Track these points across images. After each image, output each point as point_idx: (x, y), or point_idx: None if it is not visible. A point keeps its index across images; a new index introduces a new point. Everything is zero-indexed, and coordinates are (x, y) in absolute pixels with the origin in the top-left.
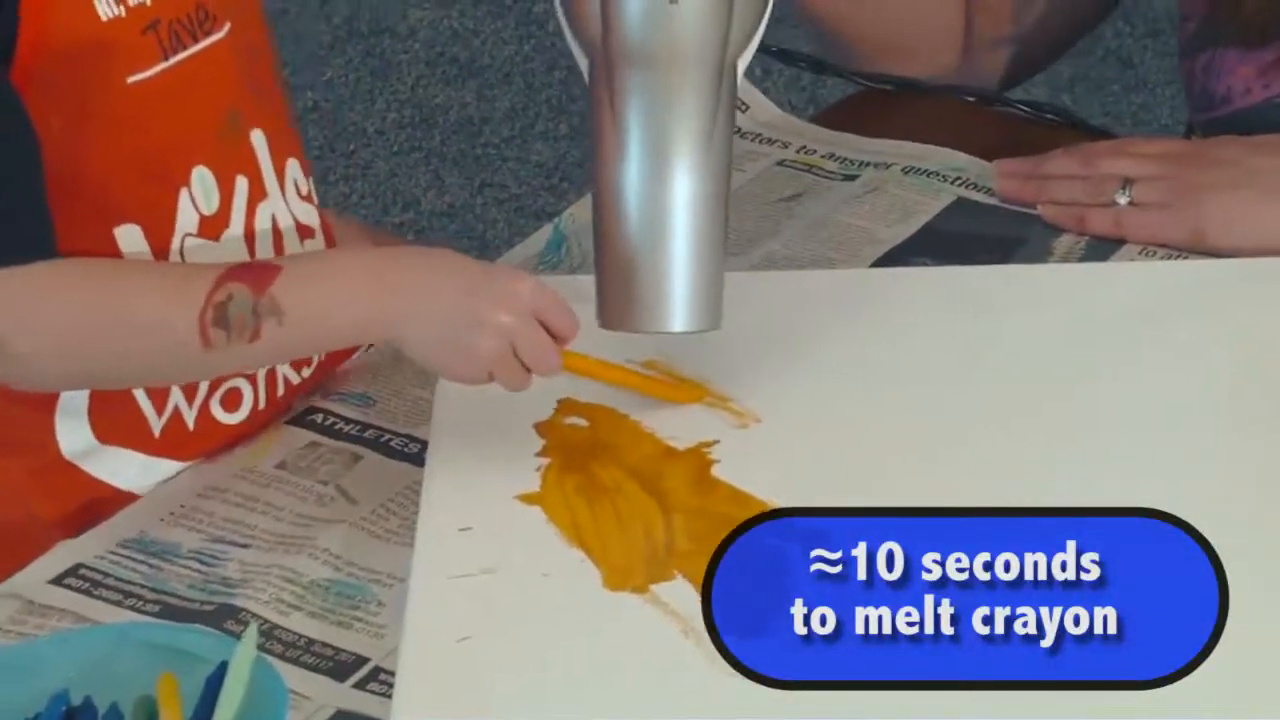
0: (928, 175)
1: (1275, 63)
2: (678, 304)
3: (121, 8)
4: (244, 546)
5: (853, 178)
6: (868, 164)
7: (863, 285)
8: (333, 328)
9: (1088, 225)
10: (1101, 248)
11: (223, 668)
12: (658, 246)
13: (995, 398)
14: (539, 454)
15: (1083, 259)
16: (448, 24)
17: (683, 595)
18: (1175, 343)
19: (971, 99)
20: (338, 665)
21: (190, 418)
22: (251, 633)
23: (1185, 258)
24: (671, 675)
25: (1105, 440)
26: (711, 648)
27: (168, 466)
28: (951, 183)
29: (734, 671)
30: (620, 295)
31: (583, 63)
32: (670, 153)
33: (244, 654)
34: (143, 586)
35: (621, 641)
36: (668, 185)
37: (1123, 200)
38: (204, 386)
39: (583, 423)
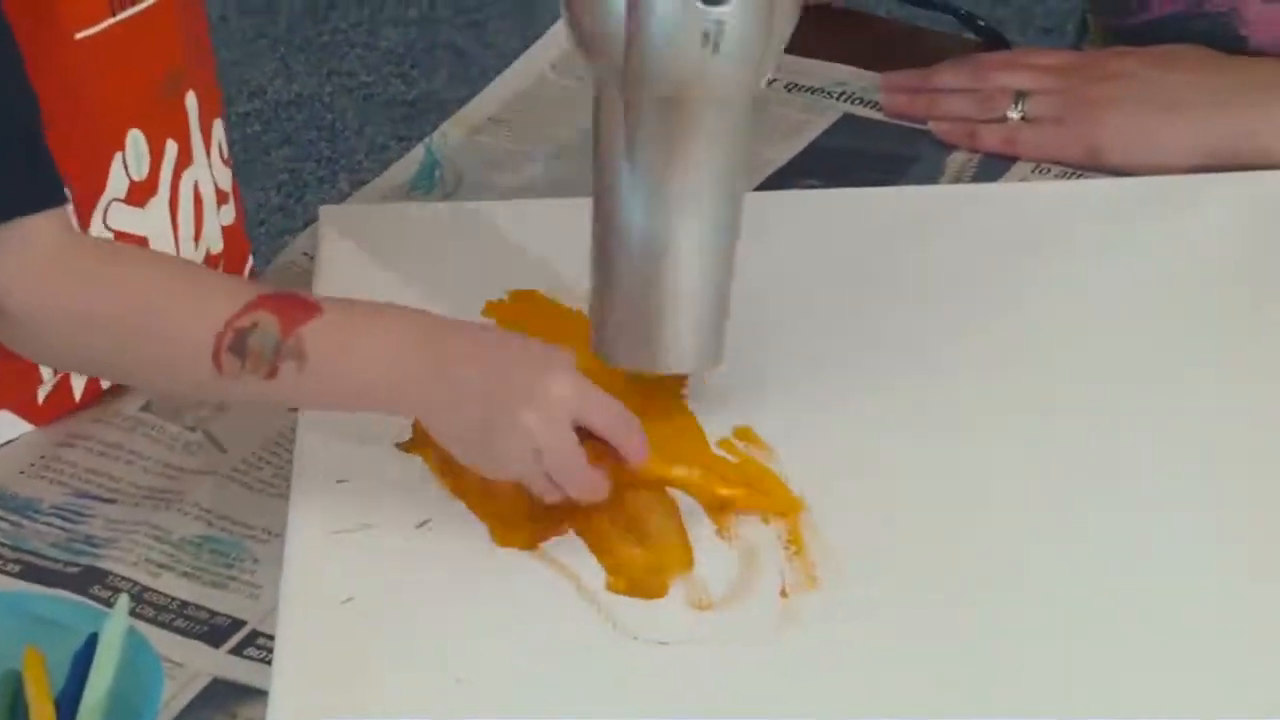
0: (812, 92)
1: None
2: (683, 345)
3: None
4: (109, 501)
5: None
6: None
7: (750, 208)
8: (350, 395)
9: (979, 142)
10: (994, 165)
11: (91, 640)
12: (665, 287)
13: (885, 331)
14: None
15: (975, 177)
16: None
17: (575, 551)
18: (1069, 267)
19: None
20: (213, 629)
21: (79, 386)
22: (123, 604)
23: (1080, 175)
24: (568, 636)
25: (992, 376)
26: (607, 606)
27: (22, 428)
28: (837, 98)
29: (633, 632)
30: (621, 331)
31: (585, 74)
32: (689, 193)
33: (115, 627)
34: (2, 545)
35: (514, 601)
36: (682, 226)
37: (1015, 115)
38: None
39: None
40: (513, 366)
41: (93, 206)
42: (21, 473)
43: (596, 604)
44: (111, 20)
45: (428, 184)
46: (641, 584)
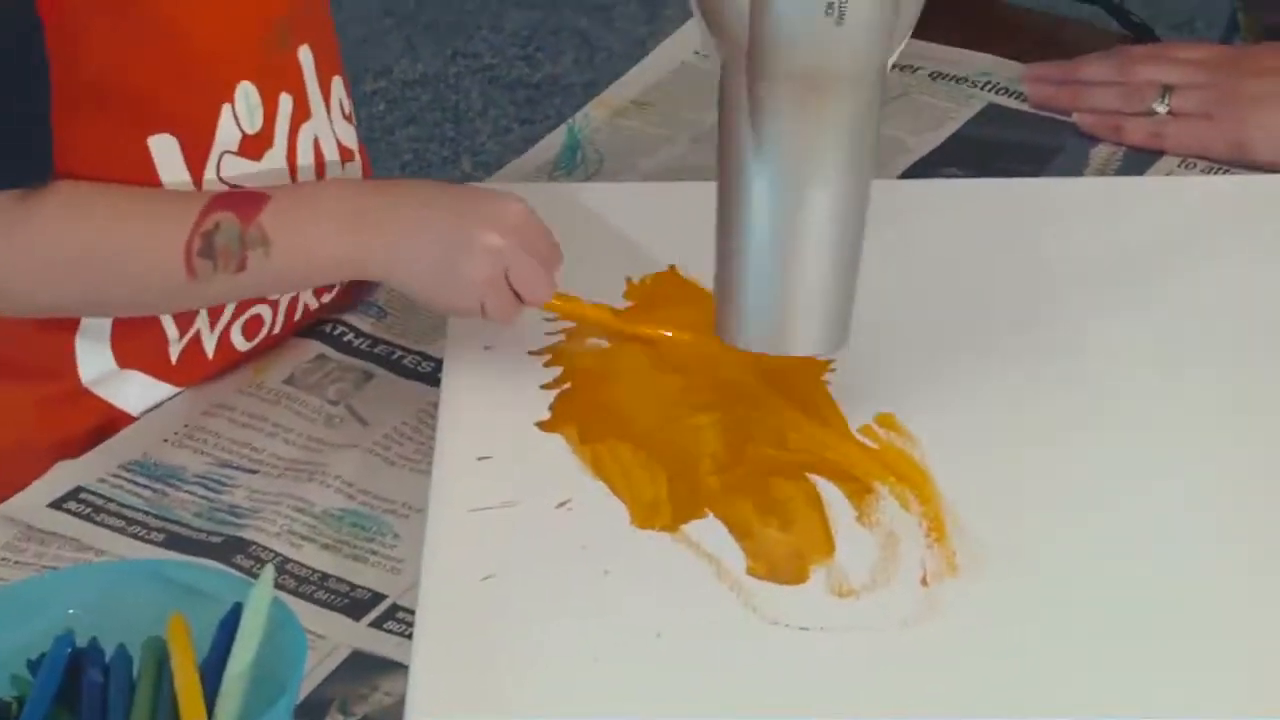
0: (956, 81)
1: None
2: (809, 327)
3: None
4: (251, 472)
5: None
6: (893, 66)
7: (892, 197)
8: (319, 261)
9: (1125, 135)
10: (1139, 158)
11: (236, 609)
12: (791, 269)
13: (1028, 321)
14: (555, 382)
15: (1120, 170)
16: None
17: (715, 535)
18: (1215, 263)
19: None
20: (353, 602)
21: (210, 344)
22: (268, 574)
23: (1226, 171)
24: (708, 620)
25: (1136, 372)
26: (748, 590)
27: (169, 391)
28: (981, 88)
29: (773, 618)
30: (745, 313)
31: (713, 54)
32: (817, 175)
33: (260, 596)
34: (146, 514)
35: (653, 583)
36: (810, 208)
37: (1161, 109)
38: (228, 311)
39: (602, 344)
40: (466, 200)
41: (204, 157)
42: (165, 441)
43: (737, 588)
44: None
45: (569, 164)
46: (782, 569)
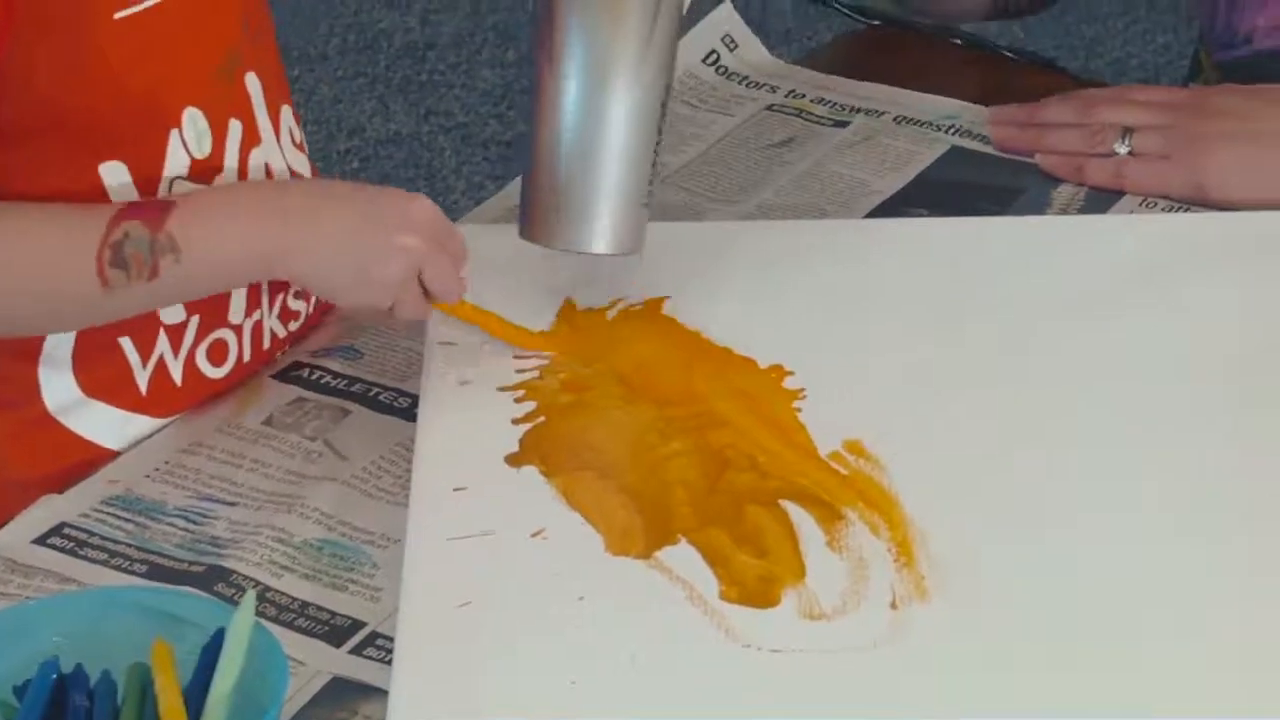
0: (920, 125)
1: None
2: (602, 225)
3: None
4: (231, 504)
5: (844, 123)
6: (859, 110)
7: (858, 235)
8: (230, 263)
9: (1086, 176)
10: (1101, 198)
11: (219, 635)
12: (588, 161)
13: (991, 351)
14: (527, 416)
15: (1082, 210)
16: None
17: (688, 561)
18: (1173, 298)
19: (958, 42)
20: (333, 630)
21: (177, 371)
22: (250, 599)
23: (1186, 209)
24: (681, 643)
25: (1096, 397)
26: (720, 614)
27: (150, 424)
28: (945, 131)
29: (745, 641)
30: (545, 209)
31: None
32: (607, 64)
33: (243, 621)
34: (129, 545)
35: (627, 608)
36: (603, 98)
37: (1122, 150)
38: (189, 336)
39: (577, 377)
40: (376, 202)
41: (155, 183)
42: (147, 476)
43: (710, 612)
44: (152, 1)
45: None
46: (755, 593)
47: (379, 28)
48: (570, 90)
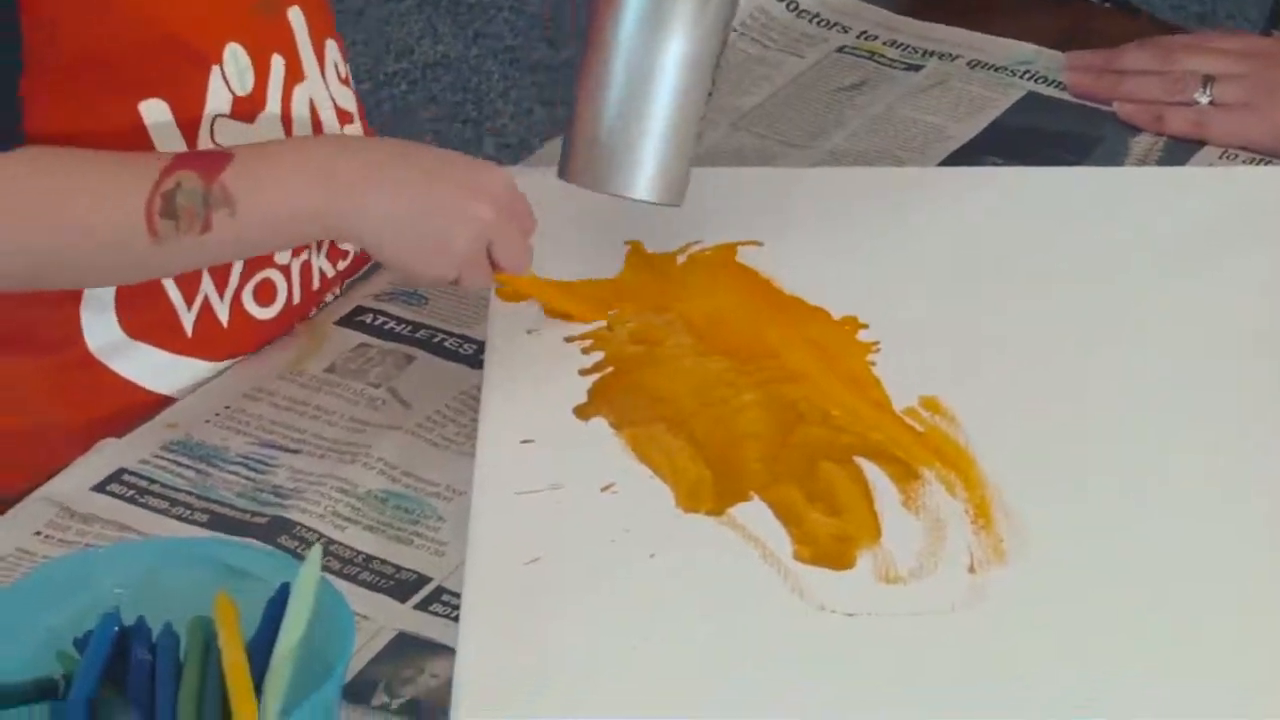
0: (995, 70)
1: None
2: (646, 171)
3: None
4: (294, 452)
5: (917, 67)
6: (931, 54)
7: (933, 183)
8: (287, 220)
9: (1166, 125)
10: (1180, 148)
11: (283, 589)
12: (638, 105)
13: (1072, 308)
14: (595, 366)
15: (1161, 160)
16: None
17: (761, 518)
18: (1258, 252)
19: None
20: (398, 584)
21: (223, 313)
22: (315, 554)
23: (1269, 161)
24: (753, 604)
25: (1179, 363)
26: (795, 575)
27: (200, 367)
28: (1020, 76)
29: (819, 603)
30: (589, 152)
31: None
32: (666, 8)
33: (308, 575)
34: (189, 494)
35: (698, 566)
36: (659, 43)
37: (1203, 99)
38: (235, 276)
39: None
40: (450, 166)
41: (197, 121)
42: (207, 421)
43: (783, 572)
44: None
45: None
46: (829, 554)
47: None
48: (626, 32)
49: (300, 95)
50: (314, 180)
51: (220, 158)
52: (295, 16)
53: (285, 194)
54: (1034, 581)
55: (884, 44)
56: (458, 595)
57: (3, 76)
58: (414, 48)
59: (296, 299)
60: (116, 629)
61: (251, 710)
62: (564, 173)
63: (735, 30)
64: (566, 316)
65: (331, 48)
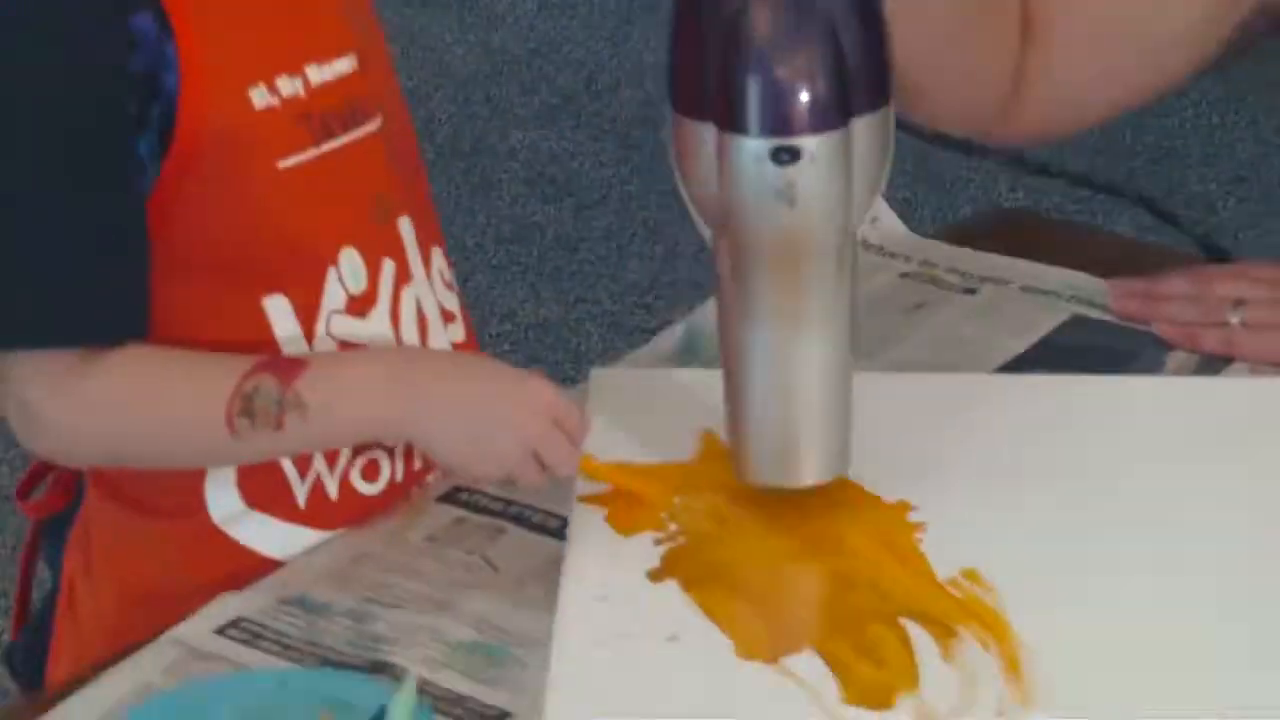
0: (1045, 294)
1: None
2: (810, 459)
3: (275, 98)
4: (395, 608)
5: (973, 291)
6: (987, 279)
7: (985, 389)
8: (353, 425)
9: (1200, 343)
10: (1212, 365)
11: (381, 711)
12: (789, 411)
13: (1100, 499)
14: (669, 536)
15: (1194, 375)
16: (547, 145)
17: (811, 667)
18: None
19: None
20: (484, 717)
21: (333, 487)
22: (411, 680)
23: None
24: None
25: (1201, 535)
26: (841, 716)
27: (310, 535)
28: (1068, 300)
29: None
30: (760, 454)
31: (703, 229)
32: (798, 328)
33: (405, 696)
34: (300, 640)
35: (754, 708)
36: (796, 355)
37: (1235, 320)
38: (344, 455)
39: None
40: (500, 380)
41: (315, 316)
42: (317, 580)
43: (830, 713)
44: (315, 151)
45: (689, 355)
46: (873, 697)
47: (533, 220)
48: (757, 342)
49: (408, 295)
50: (381, 392)
51: (297, 365)
52: (404, 225)
53: (352, 403)
54: None
55: (944, 271)
56: None
57: (129, 274)
58: (517, 311)
59: (399, 477)
60: None
61: None
62: (742, 476)
63: None
64: (638, 499)
65: (437, 255)
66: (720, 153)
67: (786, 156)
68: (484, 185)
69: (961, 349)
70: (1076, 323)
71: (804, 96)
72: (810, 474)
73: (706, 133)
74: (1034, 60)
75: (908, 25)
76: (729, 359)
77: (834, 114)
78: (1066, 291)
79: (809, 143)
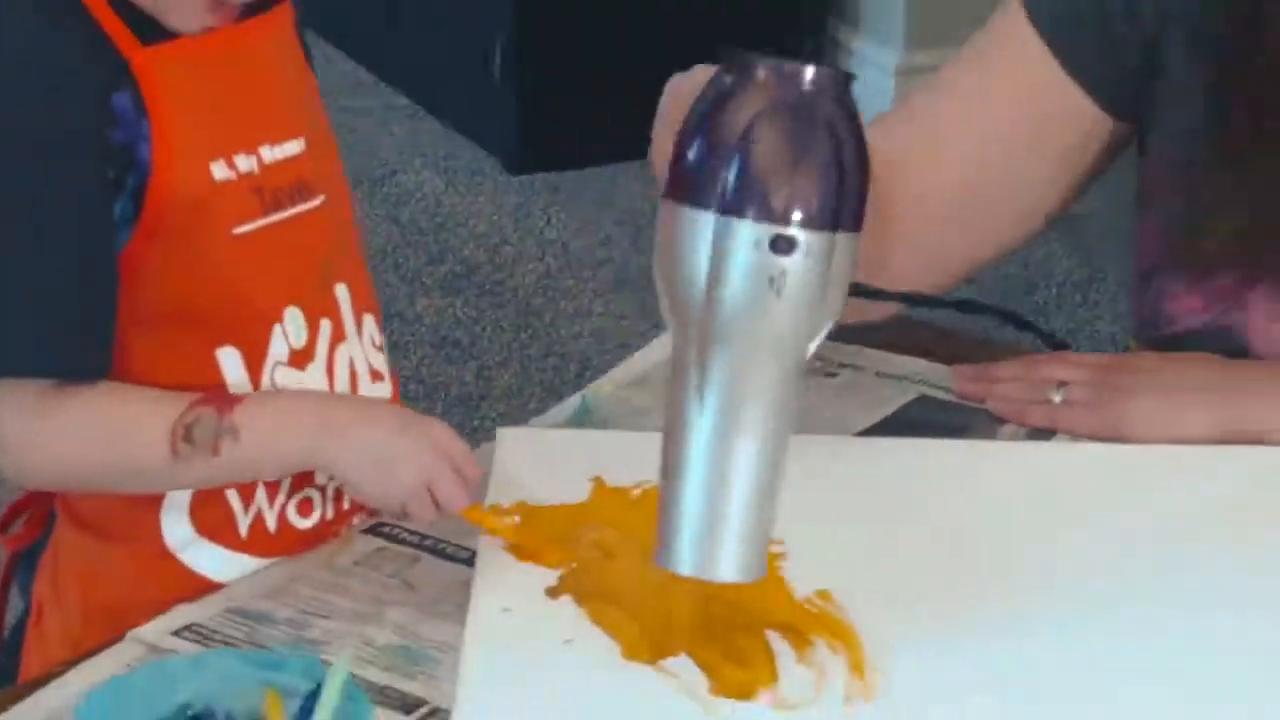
0: (896, 378)
1: (1217, 291)
2: (735, 556)
3: (233, 172)
4: (326, 618)
5: (833, 374)
6: (846, 365)
7: (843, 449)
8: (280, 454)
9: (1026, 418)
10: (1037, 437)
11: (317, 689)
12: (719, 504)
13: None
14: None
15: None
16: (451, 311)
17: (685, 667)
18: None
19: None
20: (405, 703)
21: (271, 520)
22: (345, 656)
23: None
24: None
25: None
26: (709, 704)
27: (250, 562)
28: (915, 382)
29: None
30: (685, 543)
31: (668, 315)
32: (745, 424)
33: (339, 670)
34: (244, 642)
35: (635, 696)
36: (737, 450)
37: (1057, 399)
38: (282, 493)
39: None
40: (403, 423)
41: (260, 367)
42: (257, 595)
43: (700, 702)
44: (264, 220)
45: (584, 421)
46: (737, 690)
47: (437, 380)
48: (701, 437)
49: (342, 353)
50: (300, 426)
51: (234, 399)
52: (341, 290)
53: (277, 434)
54: (890, 711)
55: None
56: (449, 712)
57: (101, 319)
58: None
59: (330, 515)
60: (189, 715)
61: None
62: (663, 561)
63: None
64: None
65: (369, 321)
66: (717, 239)
67: (784, 245)
68: (393, 348)
69: (824, 421)
70: (922, 401)
71: (806, 194)
72: (732, 571)
73: (704, 220)
74: (890, 236)
75: None
76: (672, 445)
77: (828, 217)
78: (915, 375)
79: (804, 236)
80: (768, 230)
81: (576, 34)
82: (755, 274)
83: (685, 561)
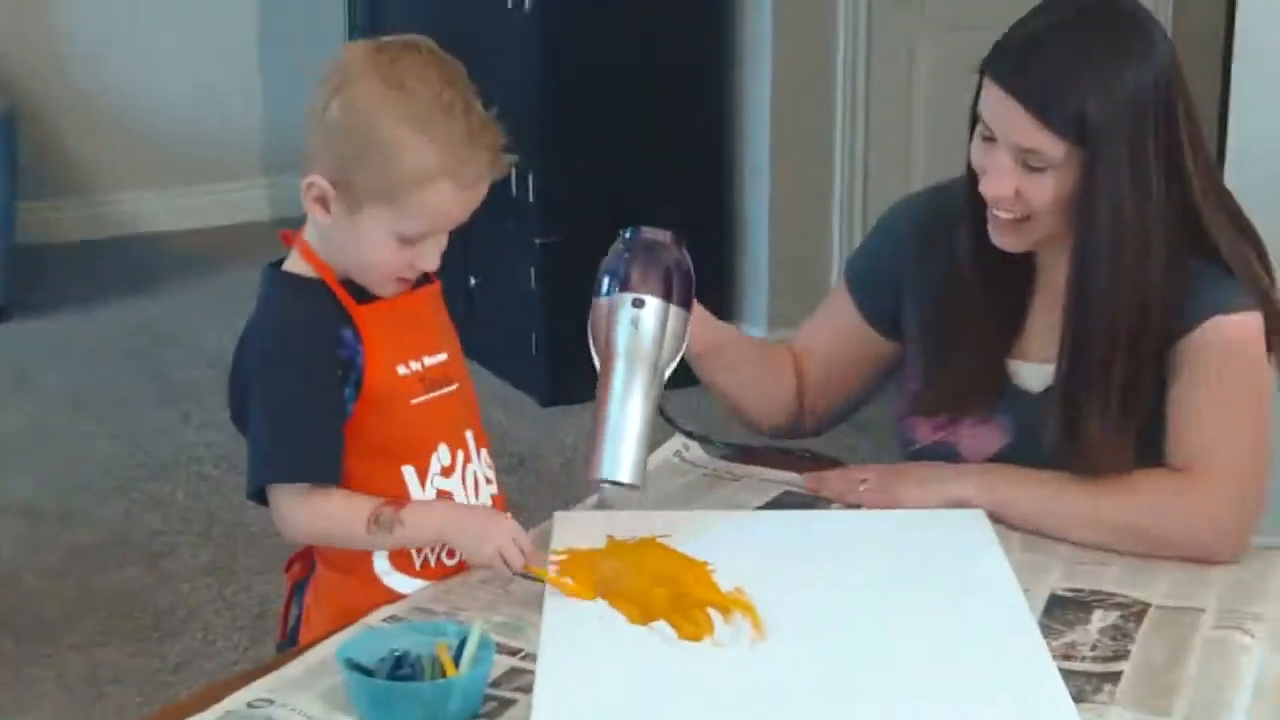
0: (773, 481)
1: (937, 424)
2: (627, 466)
3: (409, 370)
4: (465, 610)
5: (736, 479)
6: (742, 475)
7: (746, 518)
8: (424, 535)
9: (845, 498)
10: (850, 508)
11: (463, 642)
12: (622, 431)
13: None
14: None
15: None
16: None
17: (663, 626)
18: (855, 554)
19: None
20: (510, 650)
21: (432, 559)
22: (479, 623)
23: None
24: (650, 646)
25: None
26: (674, 643)
27: (421, 583)
28: (783, 484)
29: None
30: (598, 455)
31: (596, 360)
32: (632, 391)
33: (475, 630)
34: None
35: (636, 636)
36: (631, 402)
37: (861, 488)
38: (438, 546)
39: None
40: (486, 516)
41: (425, 478)
42: (428, 600)
43: (671, 643)
44: (425, 396)
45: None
46: (691, 635)
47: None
48: (614, 391)
49: (470, 470)
50: (435, 521)
51: (401, 504)
52: (469, 435)
53: (423, 524)
54: (778, 651)
55: (721, 472)
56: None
57: (337, 450)
58: None
59: (461, 559)
60: (395, 653)
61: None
62: (588, 472)
63: (675, 456)
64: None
65: (484, 452)
66: (612, 304)
67: (639, 303)
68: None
69: (732, 504)
70: (787, 493)
71: (652, 281)
72: (620, 473)
73: (612, 299)
74: (806, 391)
75: (718, 373)
76: (598, 405)
77: (663, 294)
78: (782, 480)
79: (650, 299)
80: (632, 295)
81: None
82: (626, 318)
83: (603, 472)
